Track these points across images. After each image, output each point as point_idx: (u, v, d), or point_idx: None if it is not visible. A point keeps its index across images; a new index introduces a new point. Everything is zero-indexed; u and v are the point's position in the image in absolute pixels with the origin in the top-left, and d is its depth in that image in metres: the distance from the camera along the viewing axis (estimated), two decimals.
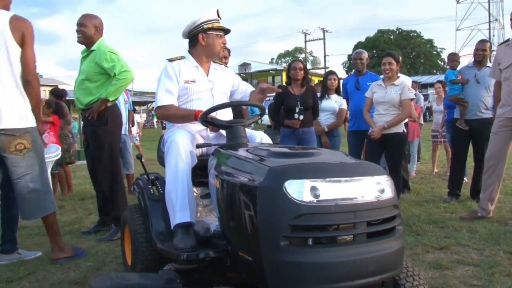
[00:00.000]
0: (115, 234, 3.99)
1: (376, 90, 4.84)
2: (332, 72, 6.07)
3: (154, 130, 26.36)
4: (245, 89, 3.16)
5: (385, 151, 4.80)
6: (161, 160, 2.85)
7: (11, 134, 3.10)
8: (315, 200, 1.79)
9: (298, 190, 1.79)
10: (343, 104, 5.68)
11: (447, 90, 6.97)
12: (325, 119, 5.54)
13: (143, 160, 3.03)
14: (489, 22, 45.25)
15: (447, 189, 5.46)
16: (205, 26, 2.89)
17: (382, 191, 1.92)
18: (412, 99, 4.91)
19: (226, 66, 3.21)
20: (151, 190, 2.86)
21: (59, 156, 5.71)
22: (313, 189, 1.80)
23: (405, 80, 4.95)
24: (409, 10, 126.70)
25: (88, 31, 4.09)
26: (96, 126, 4.08)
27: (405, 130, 4.90)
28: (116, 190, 4.21)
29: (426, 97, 18.66)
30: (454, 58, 5.84)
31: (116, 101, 4.37)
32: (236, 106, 3.78)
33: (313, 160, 2.10)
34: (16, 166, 3.15)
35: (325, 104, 5.56)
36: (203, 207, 2.84)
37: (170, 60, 2.93)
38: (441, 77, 23.45)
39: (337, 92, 5.79)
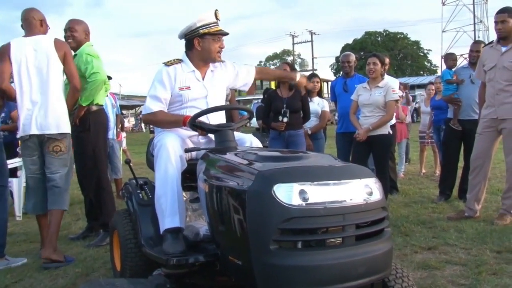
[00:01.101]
0: (104, 240, 3.96)
1: (361, 92, 4.88)
2: (314, 75, 6.09)
3: (142, 134, 26.21)
4: (245, 76, 3.07)
5: (371, 152, 4.83)
6: (150, 164, 2.83)
7: (54, 138, 3.59)
8: (304, 203, 1.80)
9: (287, 193, 1.80)
10: (326, 106, 5.70)
11: (440, 91, 7.03)
12: (308, 121, 5.56)
13: (131, 164, 3.01)
14: (474, 23, 45.85)
15: (438, 188, 5.50)
16: (201, 31, 2.74)
17: (370, 193, 1.93)
18: (396, 101, 4.94)
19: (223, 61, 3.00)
20: (140, 195, 2.83)
21: None
22: (302, 192, 1.80)
23: (389, 81, 4.98)
24: (396, 12, 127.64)
25: (79, 36, 4.11)
26: (79, 131, 4.05)
27: (391, 132, 4.93)
28: (103, 196, 4.18)
29: (413, 98, 18.80)
30: (451, 57, 5.90)
31: (103, 106, 4.35)
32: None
33: (302, 163, 2.11)
34: (51, 164, 3.63)
35: None
36: (192, 211, 2.83)
37: (167, 64, 2.80)
38: (430, 78, 23.57)
39: (319, 94, 5.81)
